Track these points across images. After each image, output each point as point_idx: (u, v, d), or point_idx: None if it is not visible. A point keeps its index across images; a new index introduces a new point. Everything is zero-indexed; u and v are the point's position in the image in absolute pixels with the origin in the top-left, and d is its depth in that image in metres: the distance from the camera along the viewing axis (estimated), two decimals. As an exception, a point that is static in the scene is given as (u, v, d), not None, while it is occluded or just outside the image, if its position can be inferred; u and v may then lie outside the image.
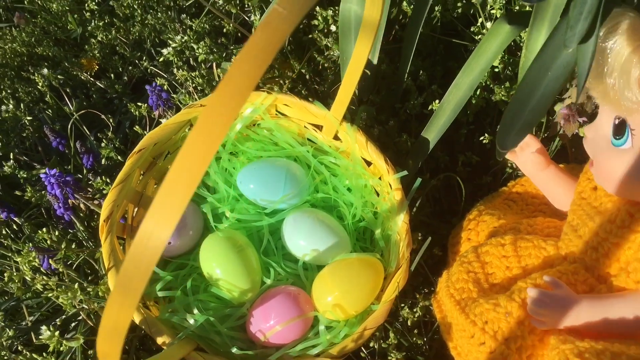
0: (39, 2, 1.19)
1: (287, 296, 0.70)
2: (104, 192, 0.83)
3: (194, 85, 0.95)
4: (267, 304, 0.70)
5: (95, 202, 0.81)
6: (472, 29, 0.87)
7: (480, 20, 0.85)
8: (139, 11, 1.10)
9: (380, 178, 0.78)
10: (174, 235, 0.76)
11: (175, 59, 0.98)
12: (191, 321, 0.69)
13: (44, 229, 0.79)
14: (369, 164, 0.79)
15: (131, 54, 1.08)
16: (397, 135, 0.85)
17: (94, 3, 1.13)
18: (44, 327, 0.69)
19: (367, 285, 0.70)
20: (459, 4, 0.91)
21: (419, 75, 0.90)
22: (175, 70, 0.97)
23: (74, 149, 0.92)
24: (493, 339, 0.58)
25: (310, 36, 0.98)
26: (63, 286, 0.74)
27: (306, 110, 0.79)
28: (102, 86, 1.05)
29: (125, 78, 1.08)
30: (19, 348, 0.76)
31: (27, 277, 0.78)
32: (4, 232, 0.86)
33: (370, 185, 0.79)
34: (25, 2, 1.20)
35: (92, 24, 1.10)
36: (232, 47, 0.99)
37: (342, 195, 0.81)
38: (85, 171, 0.90)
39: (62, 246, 0.78)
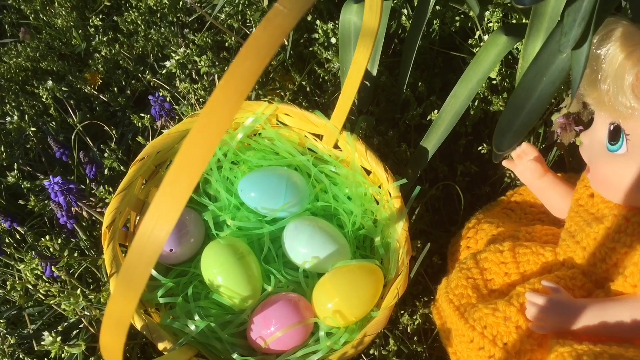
0: (44, 17, 1.21)
1: (287, 303, 0.71)
2: (107, 200, 0.84)
3: (196, 97, 0.96)
4: (268, 311, 0.70)
5: (98, 210, 0.82)
6: (470, 42, 0.88)
7: (477, 33, 0.86)
8: (142, 26, 1.12)
9: (379, 186, 0.79)
10: (176, 243, 0.77)
11: (178, 72, 0.99)
12: (192, 327, 0.69)
13: (47, 237, 0.80)
14: (368, 172, 0.80)
15: (134, 68, 1.09)
16: (397, 146, 0.86)
17: (98, 19, 1.15)
18: (45, 333, 0.69)
19: (367, 292, 0.71)
20: (457, 18, 0.93)
21: (417, 87, 0.91)
22: (177, 82, 0.98)
23: (77, 160, 0.93)
24: (492, 343, 0.59)
25: (310, 49, 0.99)
26: (65, 292, 0.75)
27: (307, 119, 0.80)
28: (105, 99, 1.07)
29: (129, 92, 1.09)
30: (21, 356, 0.76)
31: (29, 286, 0.78)
32: (7, 240, 0.87)
33: (370, 194, 0.80)
34: (31, 18, 1.22)
35: (96, 39, 1.11)
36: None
37: (342, 204, 0.81)
38: (88, 181, 0.91)
39: (65, 254, 0.79)
